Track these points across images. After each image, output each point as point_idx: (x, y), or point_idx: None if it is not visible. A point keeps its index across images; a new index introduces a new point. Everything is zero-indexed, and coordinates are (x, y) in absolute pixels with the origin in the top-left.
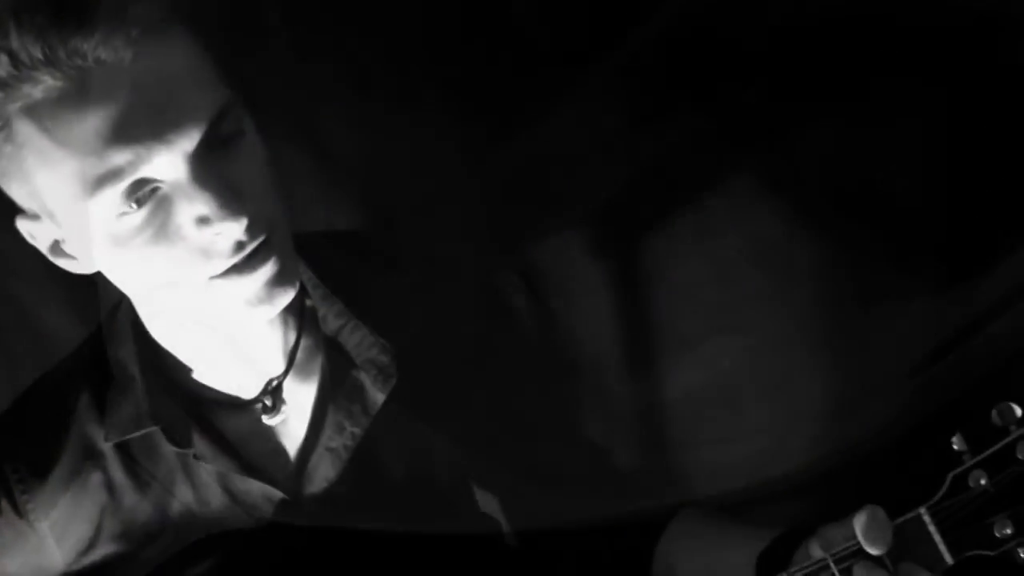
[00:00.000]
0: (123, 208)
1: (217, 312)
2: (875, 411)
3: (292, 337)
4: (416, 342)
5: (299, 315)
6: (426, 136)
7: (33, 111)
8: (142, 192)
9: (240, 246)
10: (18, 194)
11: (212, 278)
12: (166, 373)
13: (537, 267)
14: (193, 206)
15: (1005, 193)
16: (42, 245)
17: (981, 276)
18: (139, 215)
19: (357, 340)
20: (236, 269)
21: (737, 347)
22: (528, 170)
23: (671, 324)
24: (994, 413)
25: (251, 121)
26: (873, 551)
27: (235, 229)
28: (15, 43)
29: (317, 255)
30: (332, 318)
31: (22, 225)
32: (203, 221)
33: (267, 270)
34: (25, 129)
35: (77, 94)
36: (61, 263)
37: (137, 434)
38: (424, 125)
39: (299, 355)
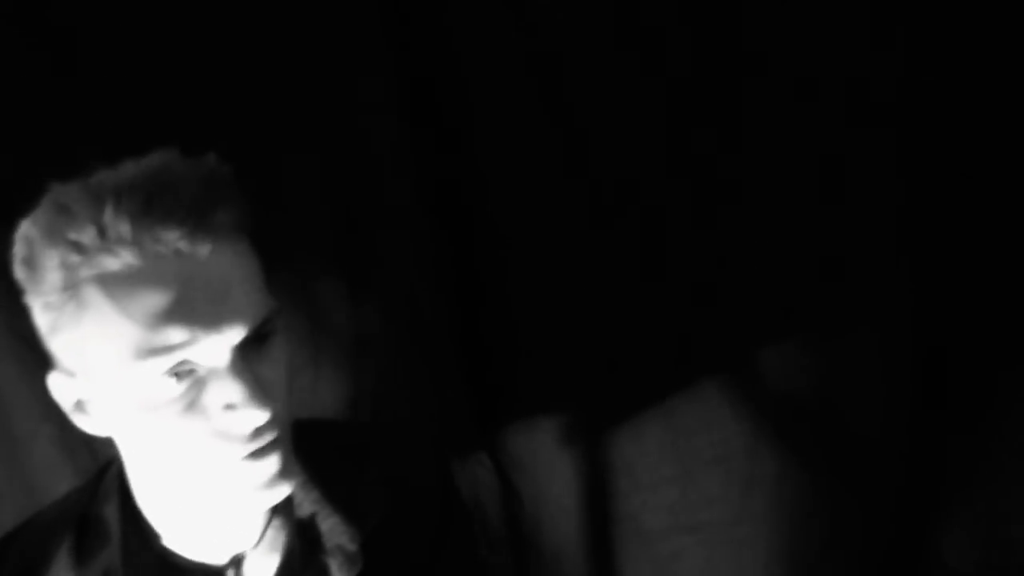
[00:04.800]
0: (162, 380)
1: (219, 492)
2: None
3: (267, 516)
4: (383, 532)
5: None
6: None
7: (105, 281)
8: (183, 369)
9: (257, 434)
10: (62, 350)
11: (229, 461)
12: (143, 534)
13: (506, 448)
14: (224, 392)
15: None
16: (66, 401)
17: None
18: (174, 390)
19: (329, 526)
20: (250, 457)
21: (694, 547)
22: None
23: (632, 518)
24: None
25: (282, 324)
26: None
27: (261, 418)
28: (107, 219)
29: (301, 442)
30: (308, 504)
31: (55, 379)
32: (231, 407)
33: (275, 462)
34: (93, 295)
35: (152, 274)
36: (78, 420)
37: None
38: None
39: (268, 532)
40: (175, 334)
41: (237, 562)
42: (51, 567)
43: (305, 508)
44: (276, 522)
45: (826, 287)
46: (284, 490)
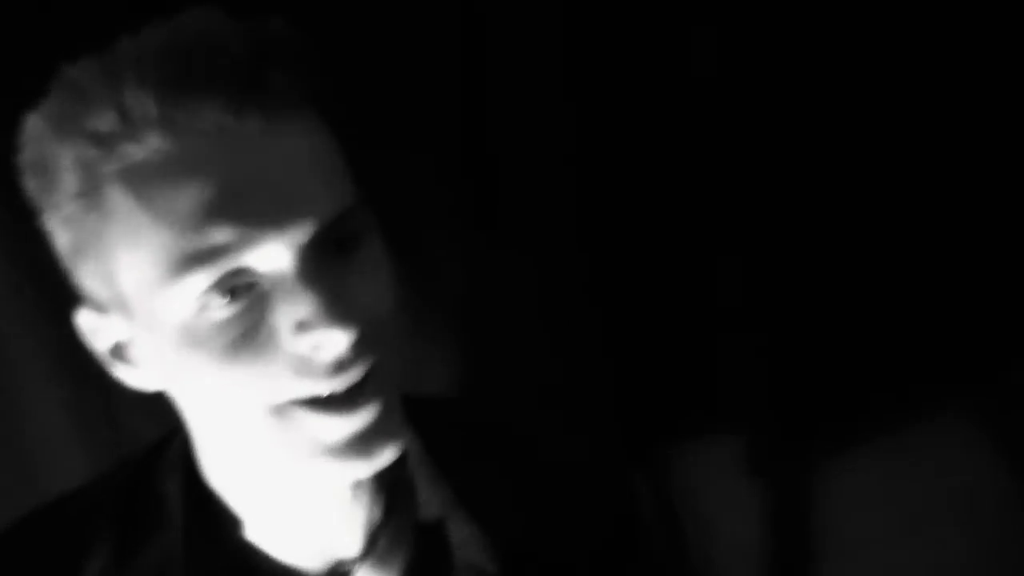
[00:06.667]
0: (211, 299)
1: (295, 458)
2: None
3: (377, 514)
4: (532, 551)
5: (391, 490)
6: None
7: (130, 175)
8: (237, 283)
9: (341, 367)
10: (90, 276)
11: (300, 404)
12: (213, 520)
13: (666, 471)
14: (294, 308)
15: None
16: (102, 346)
17: None
18: (227, 310)
19: (463, 537)
20: (331, 403)
21: None
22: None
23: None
24: None
25: (376, 228)
26: None
27: (340, 340)
28: (129, 97)
29: (429, 423)
30: (436, 505)
31: (84, 318)
32: (303, 326)
33: (368, 413)
34: (117, 195)
35: (187, 160)
36: (120, 371)
37: None
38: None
39: (382, 540)
40: (220, 233)
41: (342, 575)
42: (91, 556)
43: (431, 509)
44: (393, 525)
45: None
46: (384, 456)
